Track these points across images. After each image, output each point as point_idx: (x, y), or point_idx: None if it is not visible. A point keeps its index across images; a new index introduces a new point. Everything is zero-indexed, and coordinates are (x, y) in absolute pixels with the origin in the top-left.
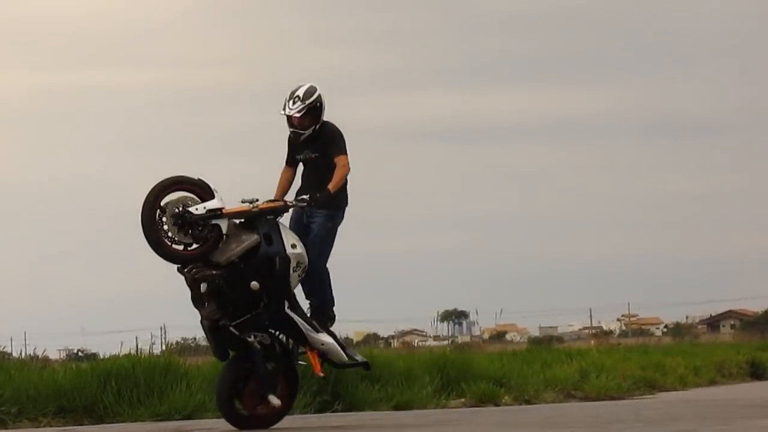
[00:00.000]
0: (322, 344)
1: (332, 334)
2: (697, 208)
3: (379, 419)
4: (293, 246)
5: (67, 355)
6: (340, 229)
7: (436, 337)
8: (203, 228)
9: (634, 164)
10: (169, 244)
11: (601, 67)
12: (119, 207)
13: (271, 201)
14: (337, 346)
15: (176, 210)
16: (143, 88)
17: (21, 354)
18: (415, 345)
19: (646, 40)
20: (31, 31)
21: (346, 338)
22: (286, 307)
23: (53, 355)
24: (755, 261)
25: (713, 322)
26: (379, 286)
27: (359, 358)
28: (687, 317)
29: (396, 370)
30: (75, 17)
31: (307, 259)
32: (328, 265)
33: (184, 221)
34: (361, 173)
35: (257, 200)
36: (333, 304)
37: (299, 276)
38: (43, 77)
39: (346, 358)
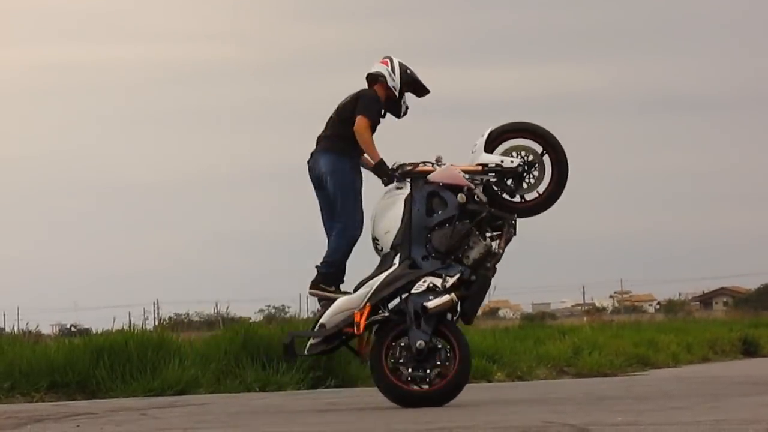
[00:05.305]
0: None
1: None
2: (691, 184)
3: (371, 395)
4: None
5: (60, 330)
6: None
7: None
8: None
9: (628, 141)
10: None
11: (594, 43)
12: (112, 183)
13: None
14: None
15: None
16: (134, 63)
17: (14, 329)
18: None
19: (641, 17)
20: (14, 4)
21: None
22: None
23: (46, 330)
24: (748, 238)
25: (706, 299)
26: (371, 262)
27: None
28: (680, 294)
29: None
30: None
31: None
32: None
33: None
34: None
35: None
36: None
37: None
38: (31, 52)
39: None
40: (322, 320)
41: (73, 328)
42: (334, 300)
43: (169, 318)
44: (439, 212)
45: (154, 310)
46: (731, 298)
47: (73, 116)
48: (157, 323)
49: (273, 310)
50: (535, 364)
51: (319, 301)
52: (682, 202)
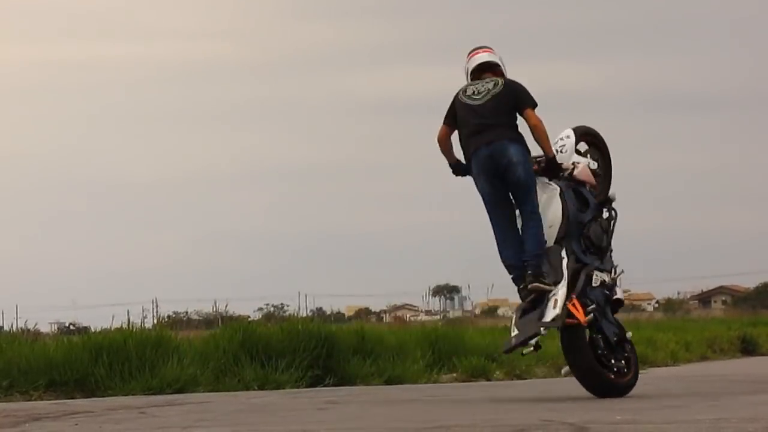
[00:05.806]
0: None
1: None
2: (690, 183)
3: (370, 393)
4: None
5: (58, 328)
6: (332, 202)
7: (428, 312)
8: None
9: (627, 140)
10: None
11: (593, 41)
12: (111, 181)
13: None
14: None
15: None
16: (133, 61)
17: (12, 327)
18: (407, 320)
19: (641, 16)
20: (13, 1)
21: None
22: None
23: (45, 328)
24: (747, 237)
25: (705, 298)
26: (371, 260)
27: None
28: (679, 293)
29: (388, 345)
30: None
31: None
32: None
33: None
34: (354, 148)
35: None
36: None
37: None
38: (29, 50)
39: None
40: (558, 312)
41: (71, 327)
42: (545, 292)
43: (168, 316)
44: (585, 209)
45: (153, 309)
46: (730, 297)
47: (71, 114)
48: (155, 321)
49: (272, 309)
50: (534, 363)
51: (524, 297)
52: (681, 200)
